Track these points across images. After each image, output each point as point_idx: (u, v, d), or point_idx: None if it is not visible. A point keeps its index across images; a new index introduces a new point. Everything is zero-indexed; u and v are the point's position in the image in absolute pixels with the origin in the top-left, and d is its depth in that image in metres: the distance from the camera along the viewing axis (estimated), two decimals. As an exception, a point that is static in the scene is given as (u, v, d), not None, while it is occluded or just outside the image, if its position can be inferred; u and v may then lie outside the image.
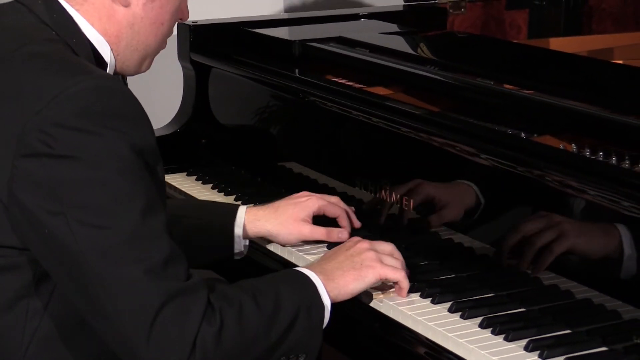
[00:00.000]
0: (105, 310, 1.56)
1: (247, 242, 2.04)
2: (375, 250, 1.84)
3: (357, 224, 2.08)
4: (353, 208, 2.10)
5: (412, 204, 2.05)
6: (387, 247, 1.88)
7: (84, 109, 1.54)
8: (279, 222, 2.03)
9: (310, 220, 2.04)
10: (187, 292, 1.57)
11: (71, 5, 1.71)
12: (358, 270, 1.79)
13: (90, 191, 1.54)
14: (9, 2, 1.77)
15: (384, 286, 1.86)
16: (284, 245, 2.06)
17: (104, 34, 1.72)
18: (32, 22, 1.69)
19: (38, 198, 1.55)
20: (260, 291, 1.66)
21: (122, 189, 1.55)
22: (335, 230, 2.04)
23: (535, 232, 1.79)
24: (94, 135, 1.54)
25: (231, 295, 1.63)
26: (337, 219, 2.07)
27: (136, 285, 1.54)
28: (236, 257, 2.04)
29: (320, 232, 2.04)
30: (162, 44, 1.81)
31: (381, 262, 1.82)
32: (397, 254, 1.87)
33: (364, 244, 1.84)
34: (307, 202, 2.04)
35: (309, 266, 1.81)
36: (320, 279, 1.74)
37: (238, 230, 2.02)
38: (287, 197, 2.08)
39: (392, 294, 1.85)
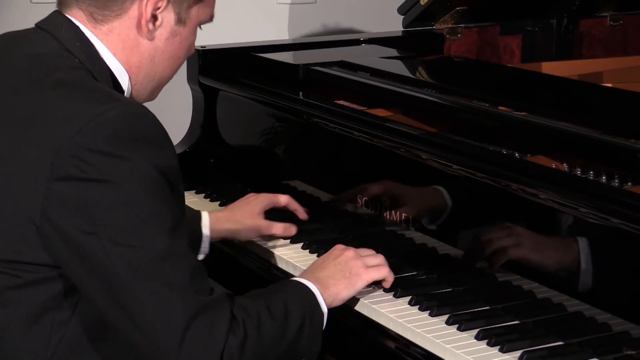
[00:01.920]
0: (138, 325, 1.58)
1: (208, 244, 2.14)
2: (360, 256, 1.90)
3: (304, 216, 2.23)
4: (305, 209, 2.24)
5: (411, 221, 2.05)
6: (367, 250, 1.95)
7: (114, 134, 1.56)
8: (237, 219, 2.16)
9: (263, 215, 2.18)
10: (214, 305, 1.60)
11: (95, 35, 1.72)
12: (348, 278, 1.86)
13: (120, 212, 1.56)
14: (31, 28, 1.78)
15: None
16: (244, 241, 2.19)
17: (126, 64, 1.74)
18: (56, 49, 1.70)
19: (72, 219, 1.57)
20: (271, 302, 1.69)
21: (150, 209, 1.57)
22: (285, 225, 2.18)
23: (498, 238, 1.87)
24: (123, 159, 1.56)
25: (249, 307, 1.66)
26: (295, 212, 2.22)
27: (167, 301, 1.57)
28: (199, 257, 2.10)
29: (275, 227, 2.18)
30: (172, 76, 1.84)
31: (366, 267, 1.88)
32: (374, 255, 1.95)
33: (350, 252, 1.90)
34: (258, 199, 2.19)
35: (304, 276, 1.84)
36: (317, 288, 1.79)
37: (206, 231, 2.13)
38: (239, 200, 2.22)
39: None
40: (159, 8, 1.72)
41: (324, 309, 1.77)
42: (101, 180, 1.55)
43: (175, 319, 1.57)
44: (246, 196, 2.22)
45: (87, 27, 1.72)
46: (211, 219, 2.14)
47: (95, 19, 1.71)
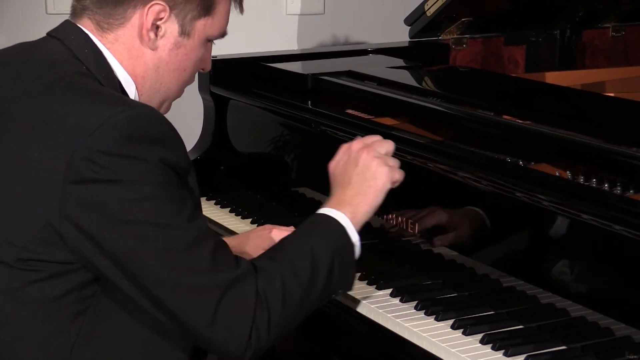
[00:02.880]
0: (170, 311, 1.59)
1: None
2: (377, 153, 1.80)
3: None
4: None
5: (417, 227, 2.05)
6: (386, 146, 1.83)
7: (125, 136, 1.57)
8: (245, 252, 2.06)
9: None
10: (240, 281, 1.60)
11: (103, 43, 1.72)
12: (374, 187, 1.77)
13: (138, 209, 1.57)
14: (43, 37, 1.78)
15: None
16: None
17: (132, 73, 1.74)
18: (65, 56, 1.71)
19: (93, 219, 1.57)
20: (296, 257, 1.67)
21: (166, 201, 1.58)
22: None
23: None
24: (134, 159, 1.56)
25: (272, 275, 1.64)
26: None
27: (195, 285, 1.58)
28: None
29: None
30: (181, 90, 1.83)
31: (388, 165, 1.79)
32: (391, 145, 1.84)
33: (368, 153, 1.79)
34: (272, 234, 2.07)
35: (333, 203, 1.77)
36: (348, 218, 1.74)
37: None
38: (253, 229, 2.13)
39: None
40: (161, 18, 1.72)
41: (355, 239, 1.72)
42: (114, 181, 1.56)
43: (205, 300, 1.58)
44: (261, 228, 2.13)
45: (95, 36, 1.72)
46: None
47: (102, 28, 1.72)
